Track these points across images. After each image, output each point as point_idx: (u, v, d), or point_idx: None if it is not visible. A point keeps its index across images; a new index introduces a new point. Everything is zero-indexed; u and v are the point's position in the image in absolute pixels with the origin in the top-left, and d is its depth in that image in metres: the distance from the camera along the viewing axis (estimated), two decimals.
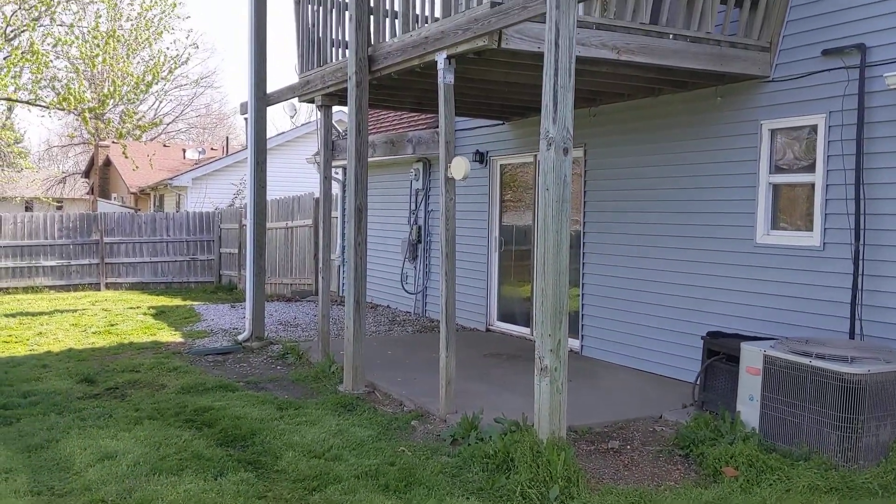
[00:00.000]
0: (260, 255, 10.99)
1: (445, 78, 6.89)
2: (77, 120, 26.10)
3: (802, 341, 6.04)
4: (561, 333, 5.32)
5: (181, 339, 11.21)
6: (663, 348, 8.33)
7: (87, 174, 39.76)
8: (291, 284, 17.37)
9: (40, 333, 11.71)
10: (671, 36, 6.86)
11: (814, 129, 6.87)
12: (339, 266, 15.76)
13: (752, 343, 6.18)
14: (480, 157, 11.50)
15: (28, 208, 40.86)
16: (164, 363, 9.24)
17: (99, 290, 18.78)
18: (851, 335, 6.47)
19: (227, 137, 39.02)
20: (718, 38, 7.02)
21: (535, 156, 10.28)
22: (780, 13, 7.12)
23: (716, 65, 7.04)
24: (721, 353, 6.69)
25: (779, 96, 7.15)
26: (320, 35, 9.36)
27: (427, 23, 7.41)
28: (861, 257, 6.42)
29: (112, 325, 12.46)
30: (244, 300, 12.74)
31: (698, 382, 6.89)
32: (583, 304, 9.46)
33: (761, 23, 7.17)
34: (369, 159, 8.45)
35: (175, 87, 39.52)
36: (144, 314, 13.98)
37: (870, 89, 6.37)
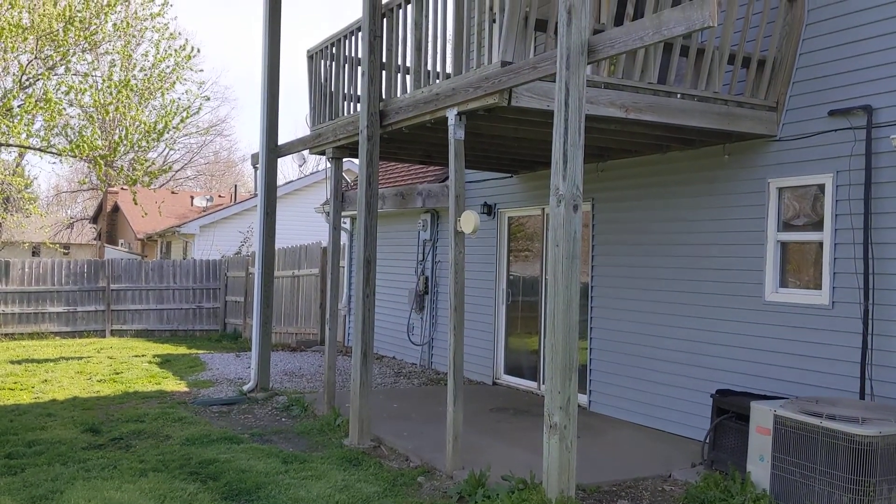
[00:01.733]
0: (267, 306, 11.00)
1: (456, 133, 6.98)
2: (88, 166, 26.39)
3: (813, 401, 6.01)
4: (570, 390, 5.31)
5: (186, 389, 11.17)
6: (672, 405, 8.27)
7: (94, 220, 40.04)
8: (297, 334, 17.34)
9: (45, 381, 11.68)
10: (679, 95, 6.96)
11: (821, 188, 6.93)
12: (346, 316, 15.76)
13: (762, 402, 6.14)
14: (489, 210, 11.58)
15: (35, 253, 41.04)
16: (169, 413, 9.19)
17: (104, 336, 18.77)
18: (862, 395, 6.43)
19: (236, 185, 39.35)
20: (726, 98, 7.11)
21: (544, 209, 10.36)
22: (786, 74, 7.23)
23: (723, 124, 7.12)
24: (731, 411, 6.65)
25: (786, 155, 7.22)
26: (332, 89, 9.52)
27: (438, 78, 7.54)
28: (870, 316, 6.42)
29: (117, 374, 12.43)
30: (249, 349, 12.73)
31: (708, 441, 6.83)
32: (591, 359, 9.42)
33: (768, 83, 7.28)
34: (378, 210, 8.52)
35: (185, 135, 40.01)
36: (149, 362, 13.95)
37: (877, 150, 6.43)
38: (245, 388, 10.88)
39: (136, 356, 14.83)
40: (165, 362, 13.99)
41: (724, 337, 7.72)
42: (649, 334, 8.63)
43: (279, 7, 10.76)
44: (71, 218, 46.03)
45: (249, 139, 73.43)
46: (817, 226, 6.98)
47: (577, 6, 5.23)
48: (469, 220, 6.77)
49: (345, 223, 15.32)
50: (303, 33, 73.92)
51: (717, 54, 7.01)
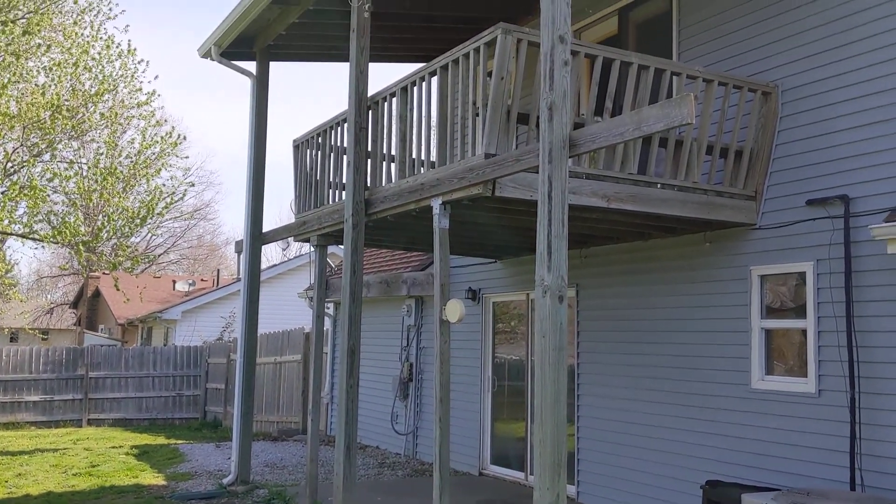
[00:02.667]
0: (248, 396, 10.83)
1: (441, 222, 7.03)
2: (70, 252, 26.27)
3: (804, 493, 5.92)
4: (560, 486, 5.20)
5: (164, 482, 10.87)
6: (662, 496, 8.13)
7: (75, 305, 39.65)
8: (278, 422, 17.03)
9: (20, 475, 11.34)
10: (659, 185, 7.07)
11: (802, 276, 7.00)
12: (328, 404, 15.53)
13: (752, 494, 6.06)
14: (473, 295, 11.58)
15: (13, 339, 40.42)
16: None
17: (81, 426, 18.36)
18: (852, 485, 6.35)
19: (219, 269, 39.22)
20: (705, 188, 7.24)
21: (528, 294, 10.37)
22: (763, 164, 7.39)
23: (703, 213, 7.23)
24: (721, 503, 6.53)
25: (766, 243, 7.31)
26: (318, 177, 9.62)
27: (423, 167, 7.65)
28: (857, 405, 6.40)
29: (94, 466, 12.10)
30: (230, 438, 12.46)
31: None
32: (578, 447, 9.29)
33: (746, 173, 7.43)
34: (363, 296, 8.53)
35: (169, 219, 40.08)
36: (127, 454, 13.61)
37: (855, 239, 6.53)
38: (225, 480, 10.60)
39: (114, 447, 14.47)
40: (143, 454, 13.65)
41: (713, 425, 7.66)
42: (636, 422, 8.54)
43: (265, 100, 10.94)
44: (51, 303, 45.56)
45: (234, 222, 73.64)
46: (800, 313, 7.02)
47: (558, 103, 5.35)
48: (454, 310, 6.76)
49: (328, 308, 15.25)
50: (286, 122, 75.15)
51: (696, 145, 7.17)
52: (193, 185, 29.38)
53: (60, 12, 20.09)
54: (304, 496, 9.15)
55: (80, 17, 19.47)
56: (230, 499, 9.77)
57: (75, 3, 18.89)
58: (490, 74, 6.45)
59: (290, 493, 9.57)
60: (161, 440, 15.80)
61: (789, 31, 7.30)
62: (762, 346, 7.32)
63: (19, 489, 10.25)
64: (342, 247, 8.45)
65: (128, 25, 29.45)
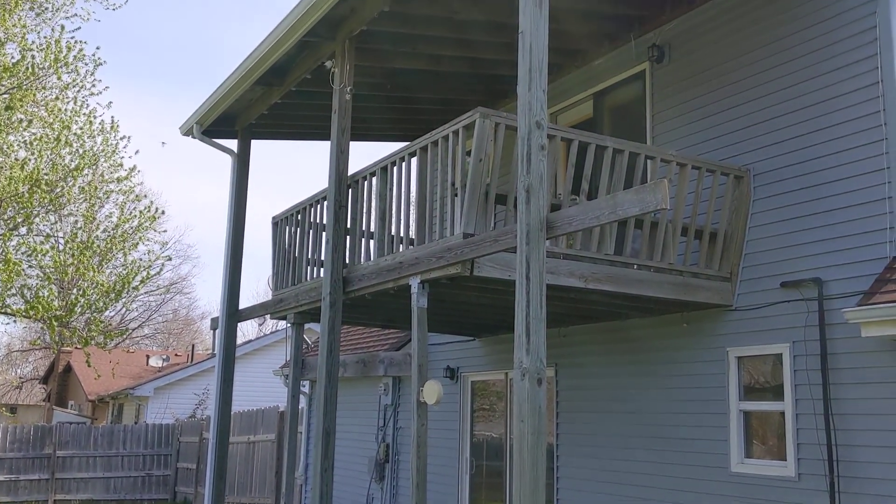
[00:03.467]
0: (221, 477, 10.57)
1: (419, 301, 7.03)
2: (42, 326, 25.85)
3: None
4: None
5: None
6: None
7: (45, 380, 38.82)
8: None
9: None
10: (636, 266, 7.15)
11: (779, 357, 7.02)
12: (302, 485, 15.17)
13: None
14: (451, 373, 11.48)
15: None
16: None
17: None
18: None
19: (193, 344, 38.76)
20: (681, 269, 7.31)
21: (507, 373, 10.30)
22: (737, 246, 7.49)
23: (679, 294, 7.28)
24: None
25: (742, 325, 7.36)
26: (296, 254, 9.62)
27: (402, 244, 7.69)
28: (836, 489, 6.35)
29: None
30: None
31: None
32: None
33: (721, 255, 7.52)
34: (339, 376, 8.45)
35: (144, 293, 39.71)
36: None
37: (829, 321, 6.59)
38: None
39: None
40: None
41: None
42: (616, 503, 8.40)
43: (246, 177, 11.01)
44: (21, 378, 44.62)
45: (210, 296, 73.13)
46: (778, 395, 7.02)
47: (535, 186, 5.43)
48: (432, 391, 6.69)
49: (304, 387, 15.04)
50: (264, 196, 75.55)
51: (671, 227, 7.27)
52: (171, 258, 29.27)
53: (44, 87, 20.27)
54: None
55: (62, 93, 19.62)
56: None
57: (59, 79, 19.06)
58: (469, 154, 6.56)
59: None
60: None
61: (760, 117, 7.50)
62: (741, 429, 7.28)
63: None
64: (320, 325, 8.39)
65: (111, 102, 29.79)
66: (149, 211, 24.19)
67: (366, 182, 8.27)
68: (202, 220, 76.46)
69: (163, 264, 26.12)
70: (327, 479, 7.77)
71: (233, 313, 10.90)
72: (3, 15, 17.36)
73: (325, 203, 8.66)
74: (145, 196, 25.24)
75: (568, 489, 9.06)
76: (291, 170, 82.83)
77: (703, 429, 7.56)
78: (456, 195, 6.88)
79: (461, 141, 6.78)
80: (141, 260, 25.73)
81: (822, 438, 6.50)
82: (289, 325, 9.74)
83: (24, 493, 17.93)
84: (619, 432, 8.52)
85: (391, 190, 7.83)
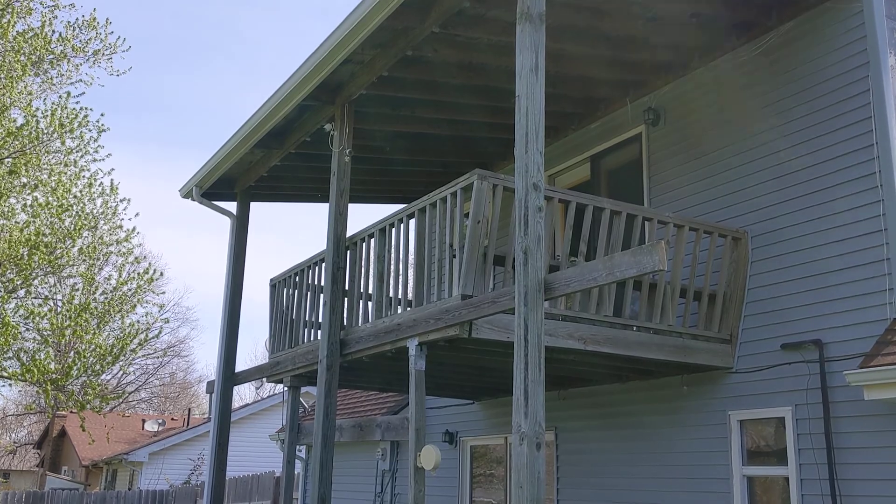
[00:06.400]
0: None
1: (417, 364, 6.96)
2: (37, 390, 25.60)
3: None
4: None
5: None
6: None
7: (39, 445, 38.29)
8: None
9: None
10: (634, 328, 7.09)
11: (781, 421, 6.91)
12: None
13: None
14: (450, 438, 11.30)
15: None
16: None
17: None
18: None
19: (190, 409, 38.30)
20: (680, 331, 7.26)
21: (507, 437, 10.14)
22: (737, 307, 7.45)
23: (679, 356, 7.21)
24: None
25: (743, 387, 7.26)
26: (294, 317, 9.57)
27: (400, 305, 7.65)
28: None
29: None
30: None
31: None
32: None
33: (720, 316, 7.47)
34: (335, 440, 8.33)
35: (142, 356, 39.42)
36: None
37: (832, 384, 6.50)
38: None
39: None
40: None
41: None
42: None
43: (244, 240, 11.02)
44: (15, 443, 43.98)
45: (207, 359, 72.50)
46: (782, 459, 6.88)
47: (532, 248, 5.43)
48: (430, 457, 6.57)
49: (300, 451, 14.80)
50: (263, 257, 75.73)
51: (669, 289, 7.24)
52: (168, 321, 29.10)
53: (47, 152, 20.47)
54: None
55: (66, 157, 19.80)
56: None
57: (62, 144, 19.26)
58: (467, 215, 6.57)
59: None
60: None
61: (756, 178, 7.53)
62: (744, 494, 7.13)
63: None
64: (316, 389, 8.29)
65: (112, 169, 29.99)
66: (147, 273, 24.19)
67: (364, 243, 8.27)
68: (201, 282, 76.47)
69: (161, 327, 25.98)
70: None
71: (229, 377, 10.78)
72: (10, 84, 17.63)
73: (323, 265, 8.65)
74: (144, 258, 25.29)
75: None
76: (292, 231, 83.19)
77: (706, 494, 7.40)
78: (454, 257, 6.88)
79: (459, 202, 6.80)
80: (139, 322, 25.60)
81: None
82: (285, 388, 9.62)
83: None
84: (620, 499, 8.34)
85: (389, 251, 7.83)
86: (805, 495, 6.58)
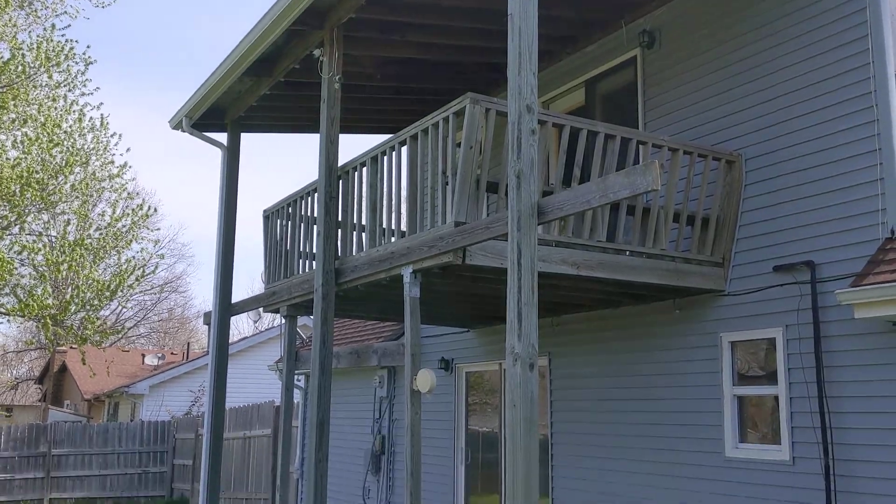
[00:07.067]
0: (215, 473, 10.54)
1: (411, 291, 7.00)
2: (36, 326, 25.78)
3: None
4: None
5: None
6: None
7: (40, 380, 38.75)
8: (247, 499, 16.56)
9: None
10: (628, 253, 7.11)
11: (772, 342, 7.00)
12: (299, 479, 15.14)
13: None
14: (446, 365, 11.45)
15: None
16: None
17: None
18: None
19: (189, 342, 38.67)
20: (673, 255, 7.29)
21: (501, 363, 10.28)
22: (730, 231, 7.47)
23: (672, 280, 7.26)
24: None
25: (735, 310, 7.33)
26: (288, 247, 9.57)
27: (393, 236, 7.65)
28: (831, 472, 6.33)
29: None
30: None
31: None
32: None
33: (713, 240, 7.49)
34: (333, 368, 8.41)
35: (139, 293, 39.59)
36: None
37: (823, 304, 6.56)
38: None
39: None
40: None
41: (688, 495, 7.53)
42: (612, 492, 8.38)
43: (236, 171, 10.97)
44: (16, 379, 44.52)
45: (205, 295, 72.84)
46: (772, 379, 7.00)
47: (525, 171, 5.40)
48: (425, 380, 6.66)
49: (299, 381, 15.00)
50: (257, 192, 75.43)
51: (663, 213, 7.24)
52: (164, 257, 29.11)
53: (35, 86, 20.17)
54: None
55: (53, 91, 19.54)
56: None
57: (50, 77, 18.96)
58: (459, 144, 6.52)
59: None
60: None
61: (751, 101, 7.47)
62: (735, 414, 7.27)
63: None
64: (313, 318, 8.35)
65: (101, 103, 29.63)
66: (141, 209, 24.12)
67: (356, 172, 8.22)
68: (196, 219, 76.33)
69: (157, 263, 26.03)
70: (322, 470, 7.74)
71: (226, 307, 10.85)
72: None
73: (316, 195, 8.61)
74: (137, 194, 25.20)
75: (563, 477, 9.05)
76: (286, 167, 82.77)
77: (697, 415, 7.55)
78: (447, 184, 6.84)
79: (452, 128, 6.73)
80: (134, 259, 25.61)
81: (816, 422, 6.48)
82: (282, 318, 9.69)
83: (20, 492, 17.86)
84: (614, 420, 8.50)
85: (382, 180, 7.78)
86: (795, 413, 6.70)
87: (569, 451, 9.04)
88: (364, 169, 8.05)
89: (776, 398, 6.93)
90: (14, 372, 50.57)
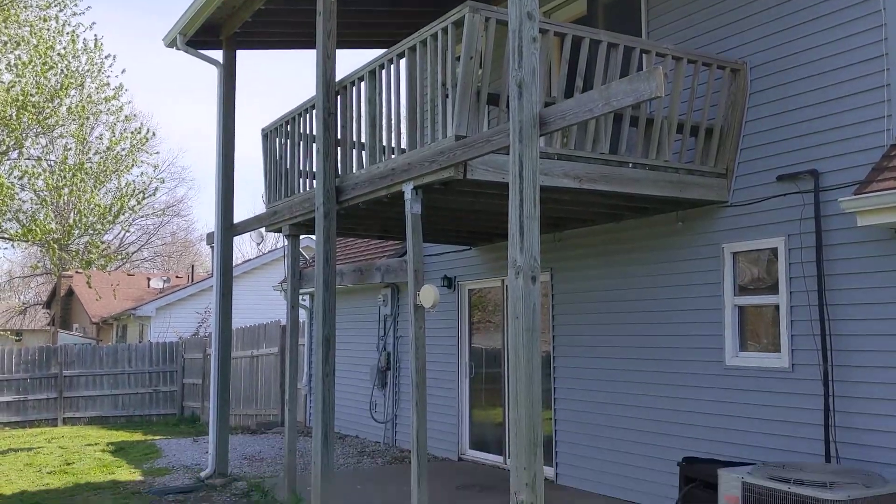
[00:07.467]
0: (224, 389, 10.73)
1: (413, 208, 6.97)
2: (41, 251, 25.93)
3: (780, 466, 5.95)
4: (536, 466, 5.18)
5: (141, 478, 10.75)
6: (640, 474, 8.15)
7: (48, 305, 39.16)
8: (256, 415, 16.93)
9: None
10: (631, 165, 7.06)
11: (774, 252, 7.01)
12: (307, 395, 15.44)
13: (729, 469, 6.07)
14: (449, 283, 11.53)
15: None
16: None
17: (56, 425, 18.14)
18: (827, 458, 6.39)
19: (193, 265, 38.90)
20: (676, 166, 7.23)
21: (503, 280, 10.34)
22: (733, 141, 7.39)
23: (675, 191, 7.22)
24: (698, 479, 6.56)
25: (738, 220, 7.33)
26: (288, 166, 9.51)
27: (393, 153, 7.58)
28: (830, 378, 6.43)
29: (68, 464, 11.94)
30: (207, 433, 12.34)
31: None
32: (556, 430, 9.29)
33: (717, 151, 7.43)
34: (337, 286, 8.46)
35: (141, 217, 39.62)
36: (102, 451, 13.45)
37: (825, 213, 6.55)
38: (202, 474, 10.50)
39: (89, 445, 14.30)
40: (119, 450, 13.50)
41: (689, 403, 7.68)
42: (613, 402, 8.55)
43: (233, 88, 10.82)
44: (24, 304, 44.95)
45: (207, 219, 72.82)
46: (773, 289, 7.04)
47: (527, 81, 5.30)
48: (428, 295, 6.71)
49: (304, 300, 15.14)
50: (257, 115, 74.62)
51: (666, 124, 7.16)
52: (164, 181, 28.98)
53: (25, 7, 19.74)
54: (282, 487, 9.08)
55: (45, 12, 19.14)
56: (208, 492, 9.67)
57: None
58: (459, 57, 6.38)
59: (269, 485, 9.50)
60: (138, 436, 15.65)
61: (757, 7, 7.30)
62: (736, 324, 7.34)
63: None
64: (315, 238, 8.35)
65: (94, 22, 29.02)
66: (140, 132, 23.91)
67: (354, 87, 8.09)
68: (195, 142, 75.77)
69: (157, 187, 25.95)
70: (329, 384, 7.87)
71: (228, 227, 10.86)
72: None
73: (314, 111, 8.50)
74: (135, 116, 24.95)
75: (565, 388, 9.21)
76: (287, 90, 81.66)
77: (699, 325, 7.63)
78: (447, 97, 6.74)
79: (451, 40, 6.59)
80: (134, 182, 25.48)
81: (816, 329, 6.55)
82: (284, 237, 9.70)
83: (34, 412, 18.26)
84: (615, 332, 8.60)
85: (380, 95, 7.67)
86: (794, 321, 6.77)
87: (571, 363, 9.18)
88: (362, 84, 7.92)
89: (776, 308, 6.98)
90: (21, 297, 51.07)
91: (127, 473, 11.12)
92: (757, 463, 6.37)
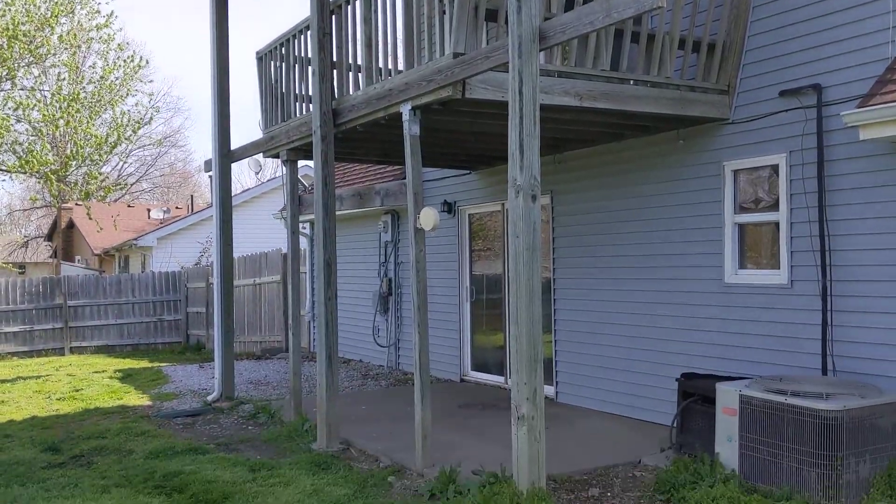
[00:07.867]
0: (228, 315, 10.83)
1: (411, 129, 6.91)
2: (39, 183, 25.86)
3: (777, 379, 6.04)
4: (536, 381, 5.27)
5: (149, 402, 10.94)
6: (639, 391, 8.29)
7: (49, 237, 39.24)
8: (261, 342, 17.13)
9: (2, 402, 11.36)
10: (632, 82, 6.96)
11: (775, 168, 6.98)
12: (310, 321, 15.59)
13: (727, 383, 6.17)
14: (449, 207, 11.51)
15: None
16: (132, 427, 8.99)
17: (63, 354, 18.37)
18: (824, 371, 6.48)
19: (192, 196, 38.81)
20: (678, 83, 7.13)
21: (504, 204, 10.33)
22: (736, 57, 7.27)
23: (676, 109, 7.14)
24: (696, 394, 6.67)
25: (739, 137, 7.26)
26: (284, 90, 9.39)
27: (390, 75, 7.46)
28: (829, 293, 6.48)
29: (77, 391, 12.14)
30: (213, 360, 12.50)
31: (675, 425, 6.84)
32: (556, 350, 9.41)
33: (718, 66, 7.31)
34: (337, 213, 8.44)
35: (139, 148, 39.35)
36: (110, 378, 13.66)
37: (828, 128, 6.49)
38: (209, 398, 10.69)
39: (97, 372, 14.52)
40: (127, 377, 13.72)
41: (688, 321, 7.75)
42: (613, 322, 8.63)
43: (225, 7, 10.60)
44: (25, 236, 45.03)
45: (205, 149, 72.44)
46: (773, 206, 7.03)
47: None
48: (428, 217, 6.71)
49: (304, 228, 15.15)
50: (255, 35, 73.32)
51: (668, 39, 7.03)
52: (159, 110, 28.77)
53: None
54: (288, 408, 9.25)
55: None
56: (215, 415, 9.86)
57: None
58: None
59: (275, 407, 9.67)
60: (144, 364, 15.87)
61: None
62: (736, 241, 7.36)
63: (2, 415, 10.28)
64: (313, 164, 8.29)
65: None
66: (132, 60, 23.58)
67: (349, 6, 7.92)
68: (190, 72, 74.71)
69: (152, 115, 25.76)
70: (331, 307, 7.93)
71: (225, 153, 10.78)
72: None
73: (309, 33, 8.34)
74: (128, 44, 24.57)
75: (566, 310, 9.29)
76: (282, 15, 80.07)
77: (699, 243, 7.64)
78: (444, 12, 6.60)
79: None
80: (130, 111, 25.22)
81: (815, 245, 6.56)
82: (282, 163, 9.64)
83: (41, 342, 18.48)
84: (615, 253, 8.63)
85: (376, 13, 7.51)
86: (794, 237, 6.78)
87: (571, 284, 9.24)
88: (357, 2, 7.75)
89: (776, 225, 6.98)
90: (22, 230, 51.14)
91: (135, 399, 11.32)
92: (755, 377, 6.46)
